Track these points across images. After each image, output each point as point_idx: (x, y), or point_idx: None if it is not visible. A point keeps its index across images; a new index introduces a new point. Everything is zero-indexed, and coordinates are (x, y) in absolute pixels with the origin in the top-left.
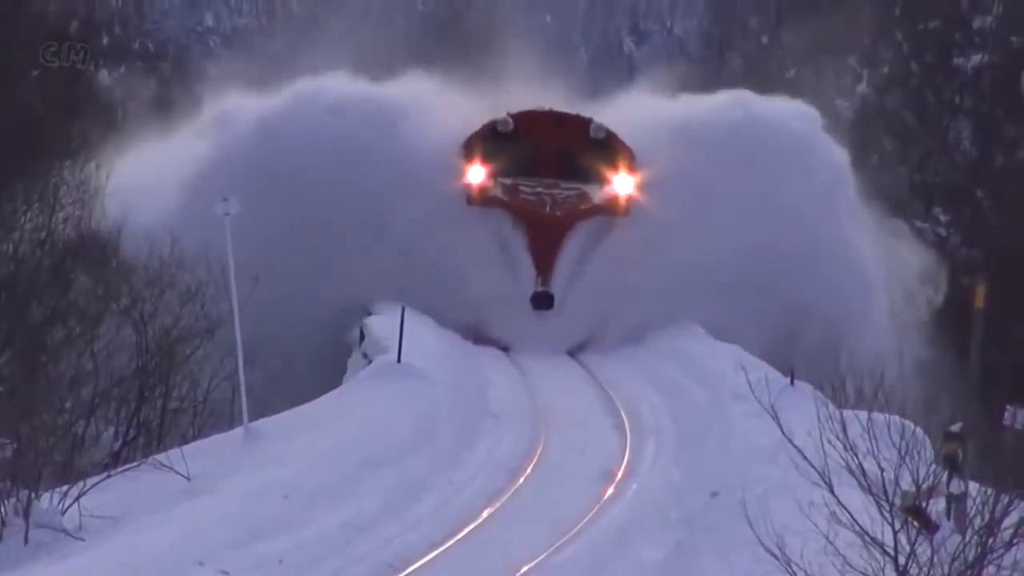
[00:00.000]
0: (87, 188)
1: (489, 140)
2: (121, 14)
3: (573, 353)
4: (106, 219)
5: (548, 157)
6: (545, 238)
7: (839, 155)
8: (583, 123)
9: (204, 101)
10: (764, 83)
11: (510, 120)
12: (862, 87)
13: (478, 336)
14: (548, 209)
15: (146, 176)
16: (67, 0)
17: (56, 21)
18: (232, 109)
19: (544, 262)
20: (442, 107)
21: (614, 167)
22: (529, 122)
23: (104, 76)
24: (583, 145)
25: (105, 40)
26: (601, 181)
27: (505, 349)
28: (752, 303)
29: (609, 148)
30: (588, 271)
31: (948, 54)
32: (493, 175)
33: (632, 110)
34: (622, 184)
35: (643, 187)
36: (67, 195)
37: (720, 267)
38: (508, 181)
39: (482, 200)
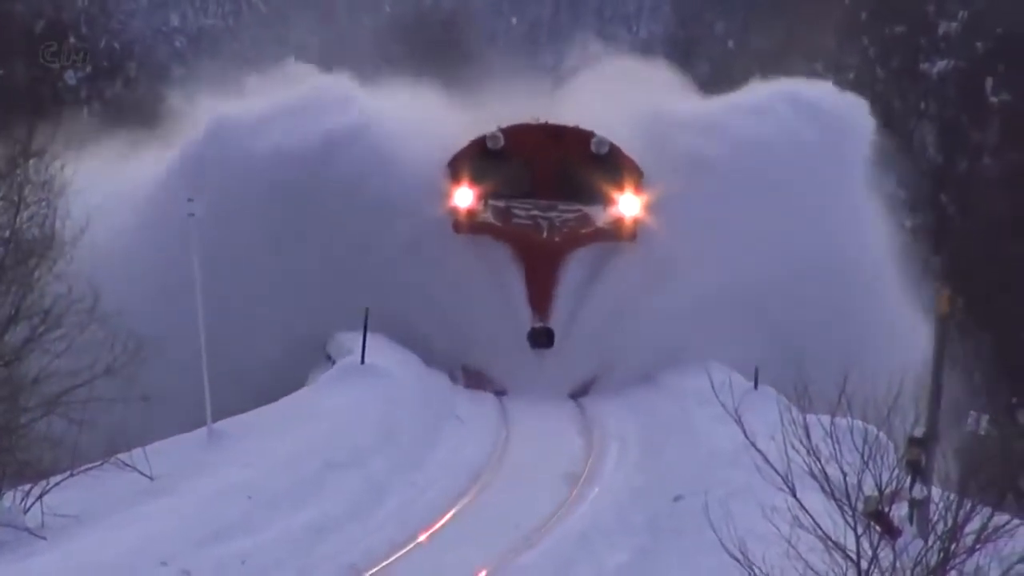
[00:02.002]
0: (52, 187)
1: (478, 159)
2: (87, 13)
3: (576, 397)
4: (71, 218)
5: (544, 176)
6: (542, 267)
7: (865, 168)
8: (583, 137)
9: (169, 101)
10: (730, 88)
11: (500, 136)
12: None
13: (469, 378)
14: (545, 234)
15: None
16: (33, 0)
17: (22, 21)
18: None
19: (542, 294)
20: (423, 121)
21: (619, 186)
22: (522, 137)
23: (70, 75)
24: (583, 161)
25: (72, 39)
26: (604, 201)
27: (500, 393)
28: (778, 338)
29: (613, 164)
30: (592, 303)
31: (914, 59)
32: (483, 198)
33: (636, 116)
34: (628, 205)
35: (652, 208)
36: (32, 194)
37: (744, 297)
38: (500, 204)
39: (471, 226)
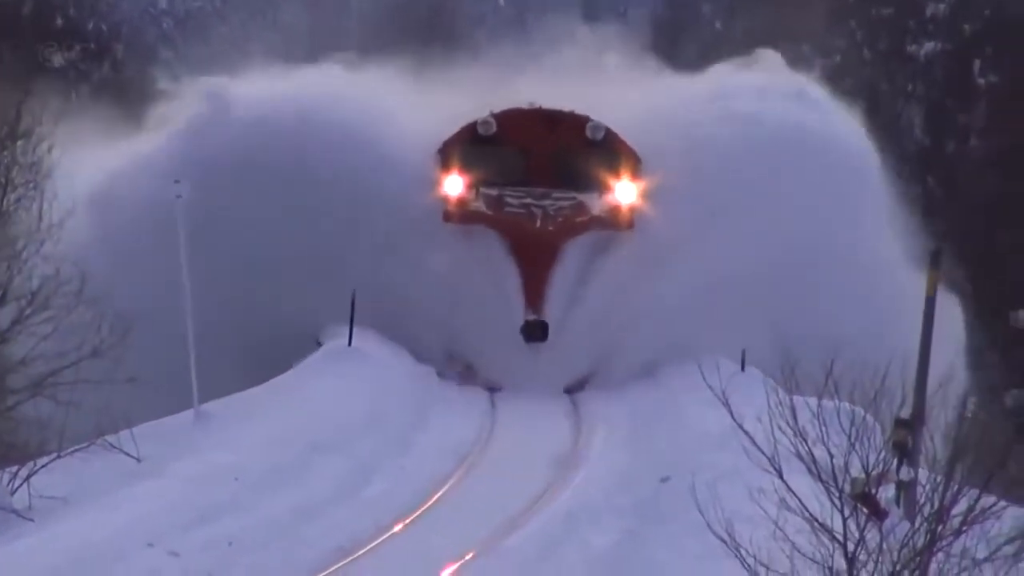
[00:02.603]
0: (39, 169)
1: (468, 145)
2: None
3: (572, 392)
4: (58, 201)
5: (538, 163)
6: (536, 257)
7: (873, 157)
8: (578, 122)
9: (156, 83)
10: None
11: (492, 121)
12: (815, 75)
13: (460, 374)
14: (539, 223)
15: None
16: None
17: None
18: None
19: (535, 286)
20: (411, 106)
21: (615, 172)
22: (515, 123)
23: (57, 57)
24: (578, 148)
25: (59, 21)
26: (600, 189)
27: (494, 389)
28: (784, 329)
29: (609, 150)
30: (588, 295)
31: (901, 41)
32: (474, 186)
33: (634, 100)
34: (624, 192)
35: (649, 195)
36: (19, 176)
37: (745, 287)
38: (492, 192)
39: (461, 216)
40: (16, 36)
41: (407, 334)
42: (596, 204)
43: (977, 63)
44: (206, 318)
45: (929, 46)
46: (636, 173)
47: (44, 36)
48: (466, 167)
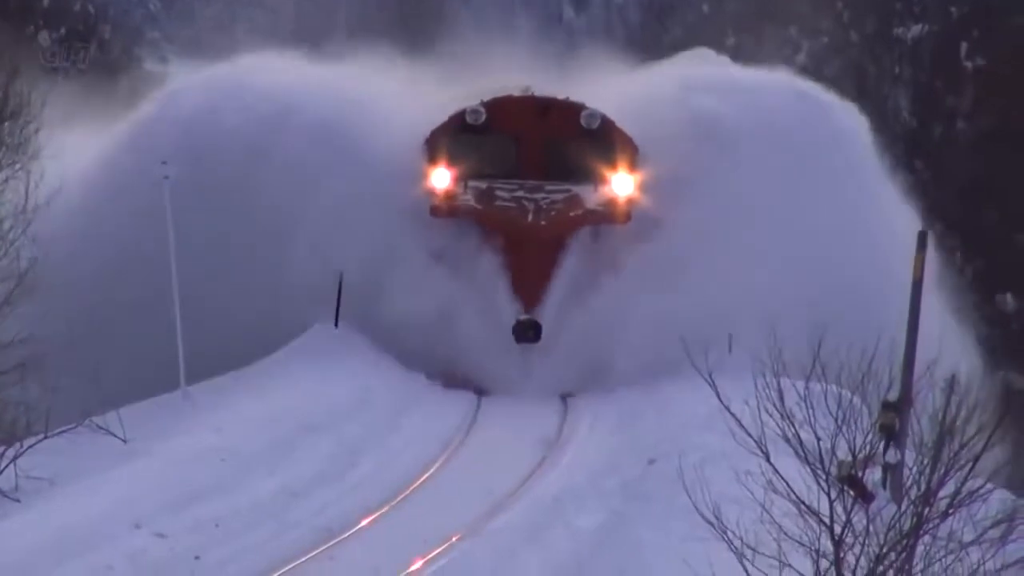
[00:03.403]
0: (25, 150)
1: (457, 135)
2: None
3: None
4: (45, 183)
5: (530, 154)
6: (527, 253)
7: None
8: (572, 110)
9: (143, 64)
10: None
11: (482, 110)
12: (801, 57)
13: (448, 377)
14: (530, 218)
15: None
16: None
17: None
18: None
19: (527, 283)
20: (397, 94)
21: (611, 163)
22: (505, 111)
23: (44, 37)
24: (573, 137)
25: (45, 2)
26: (596, 181)
27: (481, 392)
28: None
29: (605, 140)
30: (583, 293)
31: (888, 24)
32: (462, 178)
33: (631, 88)
34: (621, 184)
35: (647, 187)
36: (6, 157)
37: (768, 298)
38: (481, 185)
39: (449, 210)
40: (2, 17)
41: (391, 336)
42: (591, 197)
43: (964, 45)
44: (194, 297)
45: (916, 28)
46: (634, 164)
47: (30, 17)
48: (454, 159)
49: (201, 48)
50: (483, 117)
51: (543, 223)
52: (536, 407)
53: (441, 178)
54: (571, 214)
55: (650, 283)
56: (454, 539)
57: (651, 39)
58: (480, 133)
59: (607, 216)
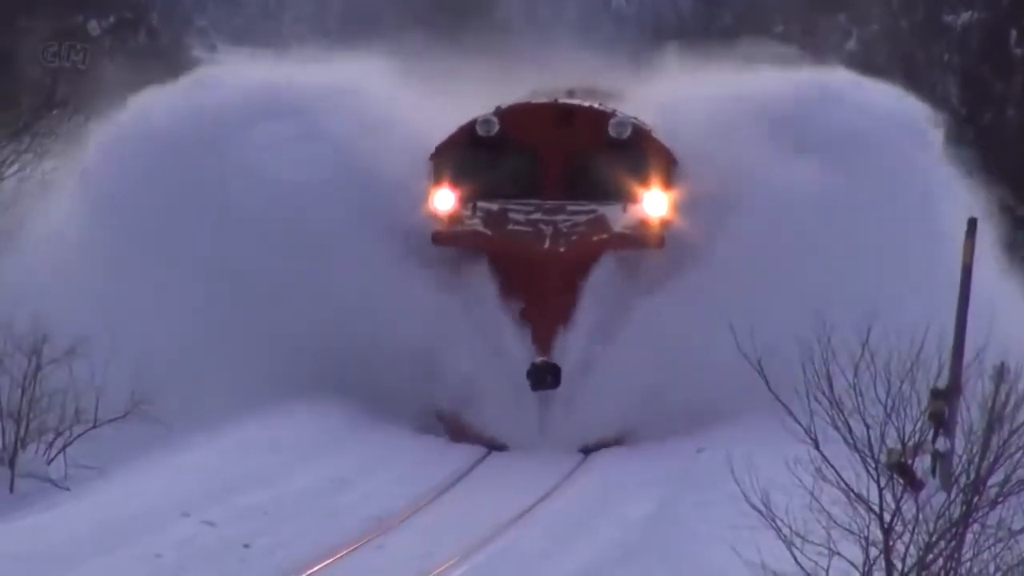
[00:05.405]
0: (74, 139)
1: (466, 149)
2: None
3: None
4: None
5: (550, 169)
6: (544, 287)
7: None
8: (599, 117)
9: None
10: (753, 38)
11: (494, 119)
12: (851, 44)
13: (455, 430)
14: (547, 244)
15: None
16: None
17: None
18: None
19: (544, 321)
20: (405, 101)
21: (643, 179)
22: (521, 120)
23: (93, 26)
24: (600, 149)
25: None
26: (625, 200)
27: (499, 448)
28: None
29: (637, 152)
30: (610, 333)
31: (937, 11)
32: (470, 199)
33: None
34: (654, 203)
35: (684, 207)
36: (56, 145)
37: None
38: (492, 207)
39: (453, 237)
40: (50, 5)
41: (379, 390)
42: (620, 219)
43: (1013, 33)
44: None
45: (965, 16)
46: (669, 179)
47: (79, 5)
48: (461, 177)
49: (248, 36)
50: (496, 128)
51: (562, 250)
52: None
53: (444, 200)
54: (595, 238)
55: (693, 313)
56: (504, 525)
57: (700, 25)
58: (492, 146)
59: (638, 240)
